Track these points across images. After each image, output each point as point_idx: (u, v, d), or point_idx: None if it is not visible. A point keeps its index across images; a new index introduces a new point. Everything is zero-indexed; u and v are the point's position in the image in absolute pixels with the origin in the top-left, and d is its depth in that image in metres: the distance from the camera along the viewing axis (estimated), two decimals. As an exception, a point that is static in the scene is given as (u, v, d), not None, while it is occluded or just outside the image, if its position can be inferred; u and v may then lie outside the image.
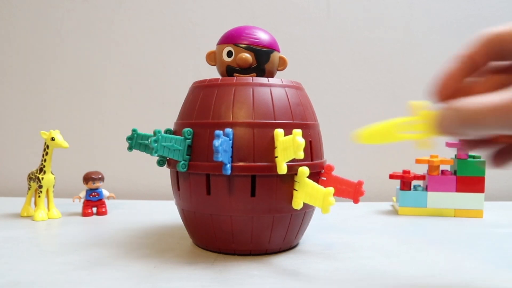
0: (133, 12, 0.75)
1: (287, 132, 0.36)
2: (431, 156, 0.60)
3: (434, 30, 0.76)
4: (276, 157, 0.36)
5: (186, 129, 0.38)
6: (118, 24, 0.75)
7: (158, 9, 0.75)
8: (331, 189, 0.34)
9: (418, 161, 0.60)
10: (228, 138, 0.35)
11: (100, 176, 0.57)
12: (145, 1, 0.75)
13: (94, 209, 0.58)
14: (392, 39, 0.76)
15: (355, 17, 0.76)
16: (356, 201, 0.40)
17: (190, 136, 0.38)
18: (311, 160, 0.39)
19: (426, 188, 0.60)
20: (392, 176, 0.61)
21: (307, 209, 0.40)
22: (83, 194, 0.57)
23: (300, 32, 0.75)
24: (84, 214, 0.56)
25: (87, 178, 0.57)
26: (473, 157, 0.59)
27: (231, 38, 0.41)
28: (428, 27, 0.76)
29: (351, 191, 0.40)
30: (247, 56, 0.40)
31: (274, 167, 0.36)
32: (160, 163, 0.40)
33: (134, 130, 0.38)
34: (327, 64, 0.76)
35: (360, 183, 0.39)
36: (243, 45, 0.40)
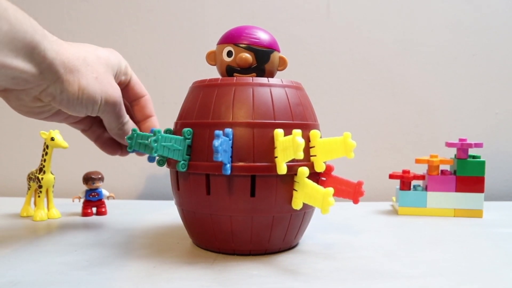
0: (133, 12, 0.75)
1: (287, 132, 0.36)
2: (431, 156, 0.60)
3: (434, 30, 0.76)
4: (276, 157, 0.36)
5: (186, 129, 0.38)
6: (117, 24, 0.75)
7: (157, 9, 0.75)
8: (330, 190, 0.34)
9: (417, 161, 0.60)
10: (228, 138, 0.35)
11: (100, 176, 0.57)
12: (145, 1, 0.75)
13: (94, 209, 0.58)
14: (392, 39, 0.76)
15: (355, 17, 0.76)
16: (356, 201, 0.40)
17: (190, 136, 0.38)
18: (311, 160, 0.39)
19: (425, 188, 0.60)
20: (392, 176, 0.61)
21: (307, 209, 0.40)
22: (82, 194, 0.57)
23: (300, 32, 0.75)
24: (84, 214, 0.56)
25: (87, 178, 0.57)
26: (473, 157, 0.59)
27: (231, 38, 0.41)
28: (428, 27, 0.76)
29: (351, 192, 0.40)
30: (247, 56, 0.40)
31: (274, 167, 0.36)
32: (160, 162, 0.40)
33: (133, 130, 0.38)
34: (326, 64, 0.76)
35: (360, 184, 0.39)
36: (243, 45, 0.40)
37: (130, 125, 0.43)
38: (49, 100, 0.36)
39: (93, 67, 0.37)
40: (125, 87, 0.44)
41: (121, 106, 0.40)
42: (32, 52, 0.32)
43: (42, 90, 0.35)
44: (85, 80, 0.36)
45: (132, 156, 0.71)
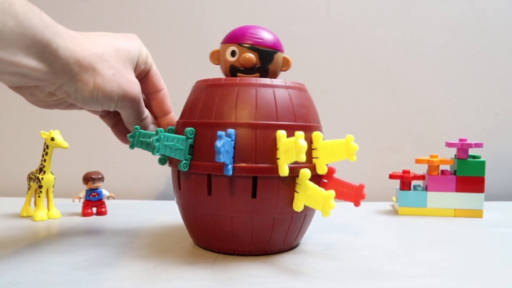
0: (133, 12, 0.75)
1: (290, 134, 0.36)
2: (431, 156, 0.60)
3: (434, 30, 0.76)
4: (278, 158, 0.36)
5: (188, 129, 0.38)
6: (117, 24, 0.75)
7: (157, 9, 0.75)
8: (332, 193, 0.33)
9: (418, 161, 0.60)
10: (230, 139, 0.35)
11: (100, 176, 0.57)
12: (145, 1, 0.75)
13: (94, 209, 0.57)
14: (392, 39, 0.76)
15: (355, 17, 0.76)
16: (357, 204, 0.40)
17: (192, 136, 0.38)
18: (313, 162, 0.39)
19: (426, 188, 0.60)
20: (392, 176, 0.61)
21: (308, 211, 0.40)
22: (83, 194, 0.57)
23: (300, 32, 0.75)
24: (84, 214, 0.56)
25: (87, 178, 0.57)
26: (473, 157, 0.59)
27: (235, 38, 0.41)
28: (428, 27, 0.76)
29: (352, 194, 0.40)
30: (251, 56, 0.40)
31: (275, 168, 0.36)
32: (162, 161, 0.40)
33: (136, 128, 0.38)
34: (326, 64, 0.76)
35: (361, 187, 0.39)
36: (247, 45, 0.40)
37: (149, 119, 0.42)
38: (64, 97, 0.35)
39: (110, 62, 0.35)
40: (144, 77, 0.42)
41: (140, 102, 0.39)
42: (43, 51, 0.31)
43: (56, 88, 0.34)
44: (101, 79, 0.34)
45: (132, 156, 0.71)
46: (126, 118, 0.40)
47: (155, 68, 0.43)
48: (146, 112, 0.41)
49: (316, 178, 0.39)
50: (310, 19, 0.75)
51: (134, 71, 0.39)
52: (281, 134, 0.36)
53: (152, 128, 0.42)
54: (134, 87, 0.38)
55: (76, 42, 0.33)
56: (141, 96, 0.39)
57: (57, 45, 0.31)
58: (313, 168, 0.38)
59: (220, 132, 0.33)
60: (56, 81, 0.33)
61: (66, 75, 0.33)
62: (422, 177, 0.60)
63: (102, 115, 0.44)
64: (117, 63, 0.36)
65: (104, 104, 0.36)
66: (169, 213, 0.57)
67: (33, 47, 0.30)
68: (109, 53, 0.36)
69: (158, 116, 0.44)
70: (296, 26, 0.75)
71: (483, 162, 0.58)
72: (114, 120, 0.44)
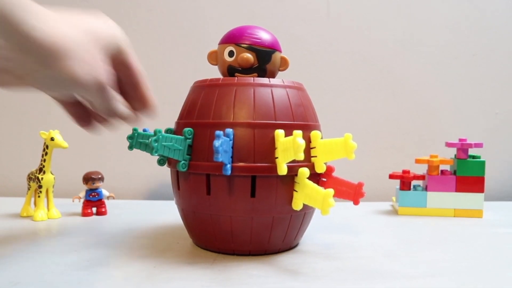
0: (133, 12, 0.75)
1: (288, 133, 0.36)
2: (431, 156, 0.60)
3: (434, 30, 0.76)
4: (277, 158, 0.36)
5: (186, 129, 0.38)
6: (117, 24, 0.75)
7: (157, 9, 0.75)
8: (331, 191, 0.34)
9: (417, 161, 0.60)
10: (228, 139, 0.35)
11: (100, 176, 0.57)
12: (145, 1, 0.75)
13: (94, 209, 0.58)
14: (392, 39, 0.76)
15: (355, 17, 0.76)
16: (356, 202, 0.40)
17: (190, 136, 0.38)
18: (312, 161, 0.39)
19: (425, 188, 0.60)
20: (392, 176, 0.61)
21: (307, 210, 0.40)
22: (82, 194, 0.57)
23: (300, 32, 0.75)
24: (84, 214, 0.56)
25: (87, 178, 0.57)
26: (473, 157, 0.59)
27: (233, 38, 0.41)
28: (428, 27, 0.76)
29: (351, 193, 0.40)
30: (249, 56, 0.40)
31: (274, 168, 0.36)
32: (161, 162, 0.40)
33: (134, 129, 0.38)
34: (326, 64, 0.76)
35: (360, 185, 0.39)
36: (244, 45, 0.40)
37: (121, 103, 0.37)
38: (30, 82, 0.32)
39: (84, 47, 0.32)
40: (121, 64, 0.38)
41: (109, 89, 0.35)
42: (10, 30, 0.27)
43: (25, 72, 0.31)
44: (72, 63, 0.31)
45: (132, 156, 0.71)
46: (93, 103, 0.36)
47: (131, 53, 0.39)
48: (117, 96, 0.37)
49: (315, 177, 0.39)
50: (310, 19, 0.75)
51: (106, 57, 0.36)
52: (279, 133, 0.36)
53: (122, 109, 0.38)
54: (103, 73, 0.34)
55: (48, 22, 0.30)
56: (110, 83, 0.36)
57: (28, 25, 0.28)
58: (311, 167, 0.38)
59: (218, 132, 0.33)
60: (24, 64, 0.30)
61: (35, 59, 0.30)
62: (422, 177, 0.60)
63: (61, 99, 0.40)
64: (90, 48, 0.33)
65: (73, 91, 0.34)
66: (169, 213, 0.57)
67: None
68: (81, 37, 0.33)
69: (137, 108, 0.39)
70: (296, 26, 0.75)
71: (483, 162, 0.58)
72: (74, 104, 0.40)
